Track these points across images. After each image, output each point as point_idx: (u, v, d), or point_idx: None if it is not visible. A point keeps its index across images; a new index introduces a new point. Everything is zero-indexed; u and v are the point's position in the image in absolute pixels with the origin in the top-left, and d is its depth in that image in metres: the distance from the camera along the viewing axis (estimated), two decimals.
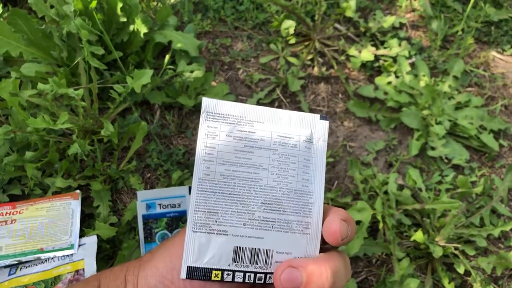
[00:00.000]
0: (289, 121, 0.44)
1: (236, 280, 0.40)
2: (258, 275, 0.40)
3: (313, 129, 0.44)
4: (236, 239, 0.40)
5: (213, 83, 1.22)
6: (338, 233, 0.39)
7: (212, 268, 0.40)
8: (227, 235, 0.40)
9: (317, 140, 0.44)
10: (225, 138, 0.41)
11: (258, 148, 0.42)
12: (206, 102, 0.42)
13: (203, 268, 0.39)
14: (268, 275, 0.41)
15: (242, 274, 0.40)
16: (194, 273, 0.39)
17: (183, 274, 0.39)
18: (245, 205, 0.41)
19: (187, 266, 0.39)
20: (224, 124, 0.42)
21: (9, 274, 0.85)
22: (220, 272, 0.40)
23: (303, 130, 0.44)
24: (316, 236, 0.41)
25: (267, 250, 0.40)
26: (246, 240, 0.40)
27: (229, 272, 0.40)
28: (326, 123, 0.44)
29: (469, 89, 1.36)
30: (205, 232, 0.40)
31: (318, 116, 0.44)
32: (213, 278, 0.39)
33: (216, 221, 0.40)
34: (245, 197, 0.41)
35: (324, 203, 0.43)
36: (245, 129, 0.42)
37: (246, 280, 0.40)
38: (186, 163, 1.06)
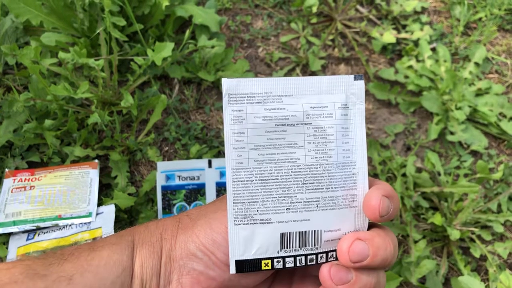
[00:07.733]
0: (320, 88, 0.39)
1: (287, 265, 0.38)
2: (309, 256, 0.39)
3: (347, 93, 0.39)
4: (281, 226, 0.38)
5: (232, 60, 1.22)
6: (378, 209, 0.37)
7: (261, 258, 0.38)
8: (272, 223, 0.38)
9: (353, 105, 0.39)
10: (253, 120, 0.38)
11: (291, 125, 0.38)
12: (227, 83, 0.37)
13: (251, 259, 0.38)
14: (319, 255, 0.39)
15: (292, 258, 0.38)
16: (243, 266, 0.38)
17: (232, 269, 0.37)
18: (286, 189, 0.38)
19: (235, 260, 0.37)
20: (250, 105, 0.38)
21: (27, 239, 0.86)
22: (269, 261, 0.38)
23: (337, 96, 0.39)
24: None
25: (315, 231, 0.38)
26: (292, 225, 0.38)
27: (279, 259, 0.38)
28: (361, 83, 0.40)
29: (490, 76, 1.34)
30: (248, 224, 0.38)
31: (351, 77, 0.40)
32: (263, 268, 0.38)
33: (257, 210, 0.38)
34: (284, 180, 0.38)
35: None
36: (273, 107, 0.38)
37: (297, 264, 0.39)
38: (204, 138, 1.06)
